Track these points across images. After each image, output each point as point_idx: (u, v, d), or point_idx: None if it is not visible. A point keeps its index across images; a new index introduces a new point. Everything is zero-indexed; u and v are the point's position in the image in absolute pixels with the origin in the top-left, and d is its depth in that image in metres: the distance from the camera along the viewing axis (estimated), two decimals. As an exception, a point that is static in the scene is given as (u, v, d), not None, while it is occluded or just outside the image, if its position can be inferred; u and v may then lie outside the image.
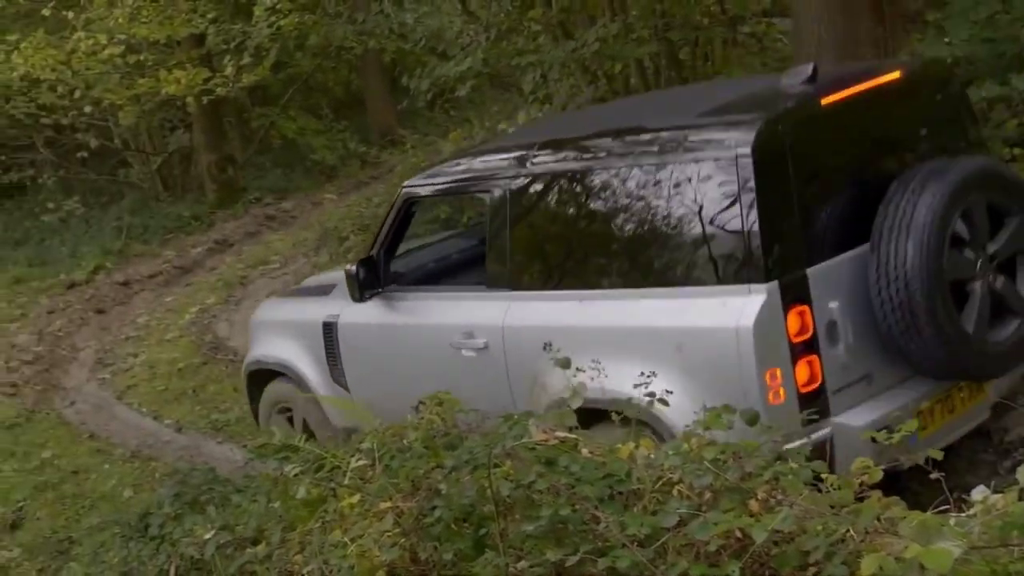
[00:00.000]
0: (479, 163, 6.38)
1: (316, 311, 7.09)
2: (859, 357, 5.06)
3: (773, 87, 5.52)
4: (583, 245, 5.74)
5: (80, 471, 9.40)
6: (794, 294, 4.89)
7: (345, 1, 11.97)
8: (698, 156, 5.13)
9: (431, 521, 4.18)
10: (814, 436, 4.83)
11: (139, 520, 7.31)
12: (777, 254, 4.88)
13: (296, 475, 5.30)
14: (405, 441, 4.89)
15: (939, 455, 3.51)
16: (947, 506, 3.30)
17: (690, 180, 5.16)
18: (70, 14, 12.83)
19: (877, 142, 5.49)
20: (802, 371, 4.90)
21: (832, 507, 3.32)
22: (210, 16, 12.86)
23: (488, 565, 3.80)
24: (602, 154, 5.65)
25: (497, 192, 5.99)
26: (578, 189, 5.73)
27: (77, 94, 13.72)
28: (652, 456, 4.02)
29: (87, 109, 16.49)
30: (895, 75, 5.50)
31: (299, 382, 7.19)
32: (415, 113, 20.36)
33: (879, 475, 3.51)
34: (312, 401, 7.09)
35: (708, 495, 3.69)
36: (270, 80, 20.29)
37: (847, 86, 5.28)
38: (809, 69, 5.28)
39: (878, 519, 3.16)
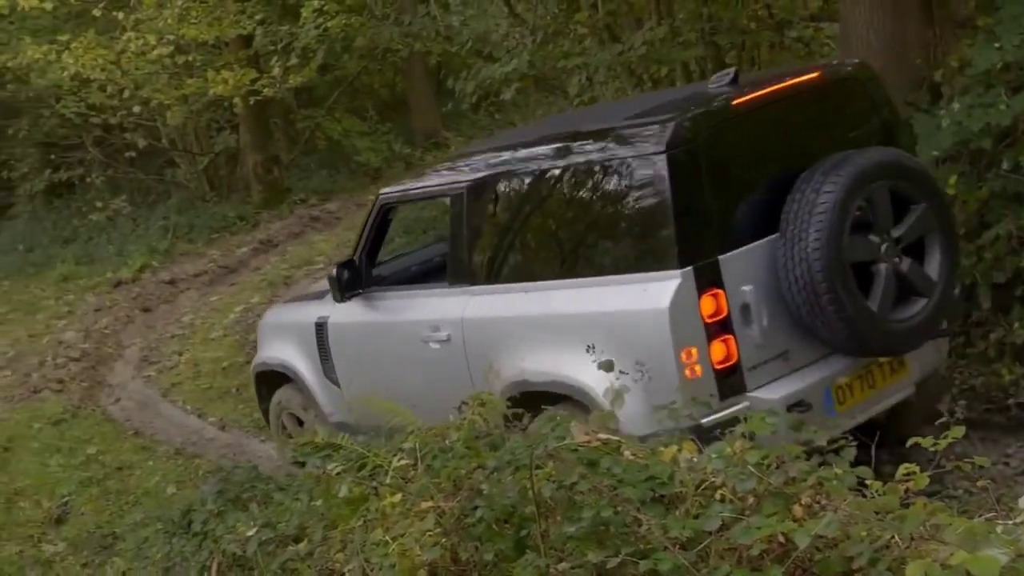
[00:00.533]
0: (442, 172, 6.95)
1: (311, 313, 7.55)
2: (775, 336, 5.44)
3: (698, 91, 6.09)
4: (527, 241, 6.30)
5: (124, 467, 9.49)
6: (707, 279, 5.32)
7: (392, 3, 11.99)
8: (620, 156, 5.62)
9: (473, 521, 4.18)
10: (731, 409, 5.23)
11: (182, 516, 7.36)
12: (690, 243, 5.35)
13: (338, 474, 5.32)
14: (447, 441, 4.89)
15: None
16: (994, 513, 3.27)
17: (614, 178, 5.68)
18: (120, 14, 12.94)
19: (790, 138, 5.82)
20: (717, 349, 5.34)
21: (877, 513, 3.30)
22: (258, 17, 12.93)
23: (529, 566, 3.79)
24: (541, 158, 6.13)
25: (455, 197, 6.51)
26: (521, 191, 6.26)
27: (126, 94, 13.85)
28: (695, 459, 4.00)
29: (136, 109, 16.65)
30: (812, 76, 5.95)
31: (297, 380, 7.65)
32: (460, 115, 20.40)
33: (925, 481, 3.48)
34: (302, 394, 7.63)
35: (751, 499, 3.66)
36: (316, 82, 20.39)
37: (761, 88, 5.71)
38: (731, 73, 5.81)
39: (923, 525, 3.13)
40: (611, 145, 5.75)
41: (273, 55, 11.93)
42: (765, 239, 5.48)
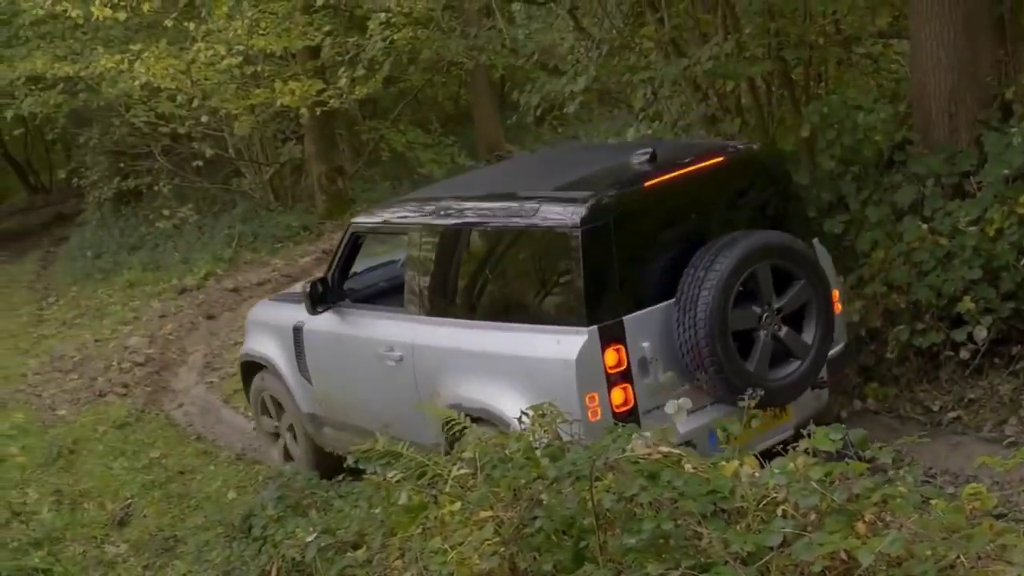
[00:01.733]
0: (405, 208, 7.88)
1: (291, 316, 8.41)
2: (667, 385, 6.22)
3: (620, 165, 6.84)
4: (468, 284, 7.13)
5: (186, 471, 9.58)
6: (611, 335, 6.16)
7: (458, 16, 12.06)
8: (545, 224, 6.48)
9: (531, 531, 4.18)
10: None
11: (242, 521, 7.42)
12: (598, 304, 6.18)
13: (398, 481, 5.34)
14: (507, 451, 4.89)
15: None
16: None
17: (540, 242, 6.59)
18: (191, 25, 13.11)
19: (693, 215, 6.64)
20: (617, 395, 6.18)
21: (942, 532, 3.26)
22: (326, 29, 13.05)
23: (588, 577, 3.78)
24: (484, 213, 7.04)
25: (411, 235, 7.44)
26: (465, 239, 7.15)
27: (195, 103, 14.02)
28: (756, 475, 3.98)
29: (203, 119, 16.86)
30: (718, 159, 6.74)
31: (275, 372, 8.63)
32: (523, 129, 20.42)
33: (992, 502, 3.44)
34: (278, 383, 8.62)
35: (813, 516, 3.63)
36: (381, 94, 20.52)
37: (670, 171, 6.50)
38: (650, 152, 6.58)
39: (990, 545, 3.09)
40: (539, 213, 6.55)
41: (340, 66, 12.00)
42: (664, 303, 6.30)
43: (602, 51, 9.17)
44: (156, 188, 19.65)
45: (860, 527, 3.43)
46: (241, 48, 12.41)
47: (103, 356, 13.94)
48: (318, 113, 13.16)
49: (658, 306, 6.32)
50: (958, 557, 3.13)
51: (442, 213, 7.32)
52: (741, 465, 4.00)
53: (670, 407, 4.60)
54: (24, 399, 12.69)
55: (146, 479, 9.48)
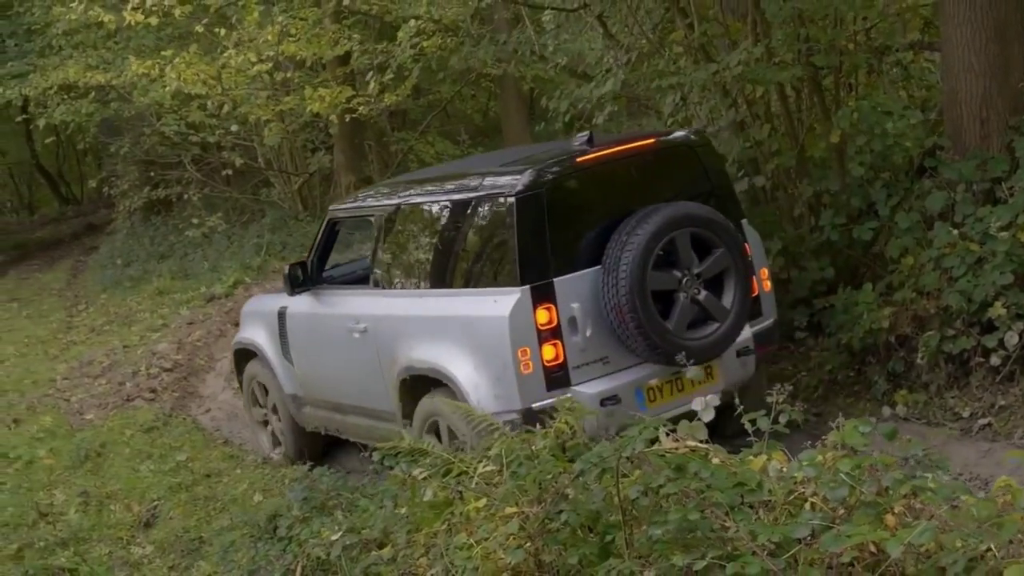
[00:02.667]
0: (370, 197, 8.57)
1: (277, 303, 9.15)
2: (596, 344, 6.82)
3: (561, 147, 7.57)
4: (420, 257, 7.86)
5: (213, 474, 9.58)
6: (542, 295, 6.75)
7: (487, 25, 12.09)
8: (486, 196, 7.14)
9: (557, 525, 4.16)
10: (555, 399, 6.15)
11: (268, 521, 7.43)
12: (530, 267, 6.78)
13: (424, 478, 5.33)
14: (533, 448, 4.88)
15: None
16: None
17: (481, 212, 7.22)
18: (222, 31, 13.19)
19: (621, 190, 7.21)
20: (548, 350, 6.76)
21: (973, 524, 3.22)
22: (356, 37, 13.12)
23: (613, 570, 3.76)
24: (434, 192, 7.80)
25: (375, 219, 8.11)
26: (418, 218, 7.89)
27: (225, 109, 14.08)
28: (784, 469, 3.95)
29: (233, 128, 16.93)
30: (648, 142, 7.42)
31: (262, 357, 9.36)
32: (551, 138, 20.45)
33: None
34: (265, 368, 9.35)
35: (842, 510, 3.60)
36: (410, 105, 20.57)
37: (602, 150, 7.11)
38: (588, 135, 7.20)
39: (1021, 535, 3.05)
40: (482, 186, 7.24)
41: (369, 73, 12.04)
42: (592, 268, 6.85)
43: (631, 57, 9.17)
44: (186, 197, 19.72)
45: (890, 520, 3.40)
46: (271, 54, 12.47)
47: (131, 362, 13.99)
48: (347, 120, 13.18)
49: (588, 270, 6.87)
50: (988, 549, 3.09)
51: (400, 195, 8.09)
52: (769, 459, 3.97)
53: (697, 404, 4.58)
54: (53, 403, 12.75)
55: (172, 482, 9.48)
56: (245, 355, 9.71)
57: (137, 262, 20.38)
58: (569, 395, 6.39)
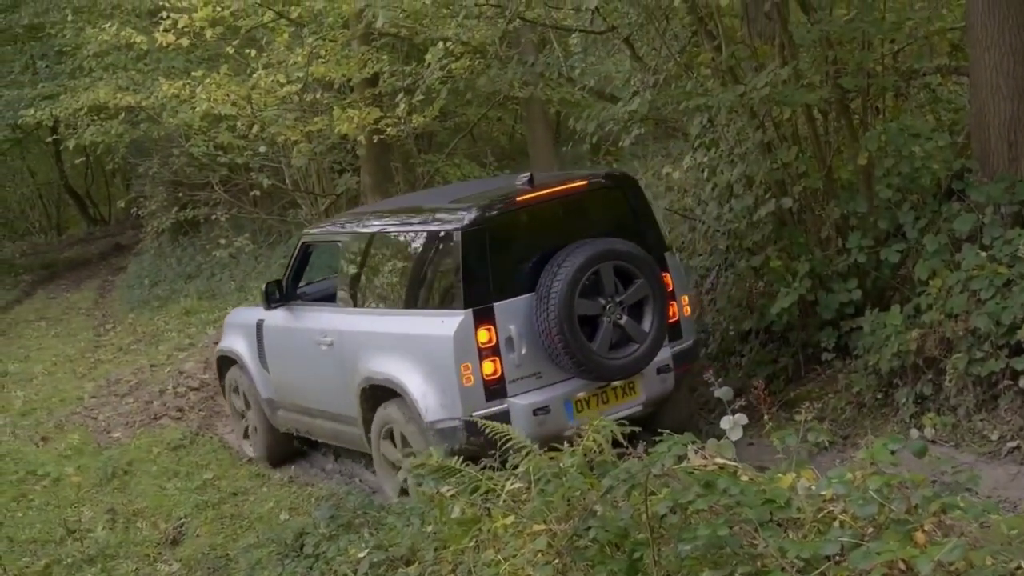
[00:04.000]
0: (337, 224, 9.63)
1: (255, 316, 10.09)
2: (530, 361, 7.74)
3: (505, 186, 8.48)
4: (379, 279, 8.80)
5: (239, 493, 9.62)
6: (483, 318, 7.64)
7: (513, 47, 12.13)
8: (436, 229, 8.12)
9: (585, 543, 4.17)
10: (495, 408, 7.57)
11: (295, 539, 7.45)
12: (473, 293, 7.67)
13: (452, 495, 5.34)
14: (561, 465, 4.89)
15: None
16: None
17: (432, 243, 8.15)
18: (252, 52, 13.29)
19: (555, 227, 8.05)
20: (487, 366, 7.65)
21: (1004, 541, 3.21)
22: (385, 58, 13.20)
23: (642, 586, 3.76)
24: (393, 223, 8.79)
25: (341, 243, 9.15)
26: (378, 244, 8.80)
27: (254, 129, 14.17)
28: (812, 487, 3.95)
29: (261, 149, 17.02)
30: (581, 184, 8.25)
31: (240, 364, 10.31)
32: (576, 163, 20.50)
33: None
34: (244, 374, 10.30)
35: (871, 527, 3.60)
36: (437, 128, 20.64)
37: (539, 191, 8.01)
38: (528, 176, 8.13)
39: (1053, 553, 3.04)
40: (434, 220, 8.26)
41: (397, 94, 12.12)
42: (528, 294, 7.74)
43: (659, 79, 9.19)
44: (214, 218, 19.82)
45: (919, 537, 3.39)
46: (300, 75, 12.56)
47: (158, 381, 14.07)
48: (374, 142, 13.26)
49: (524, 296, 7.77)
50: (1019, 567, 3.09)
51: (364, 223, 9.08)
52: (798, 477, 3.97)
53: (725, 423, 4.58)
54: (80, 421, 12.83)
55: (199, 499, 9.53)
56: (227, 362, 10.70)
57: (164, 282, 20.55)
58: (506, 406, 7.64)
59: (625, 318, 7.87)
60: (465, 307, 7.65)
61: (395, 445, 8.30)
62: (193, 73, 13.75)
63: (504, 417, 7.41)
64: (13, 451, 11.56)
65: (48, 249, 32.79)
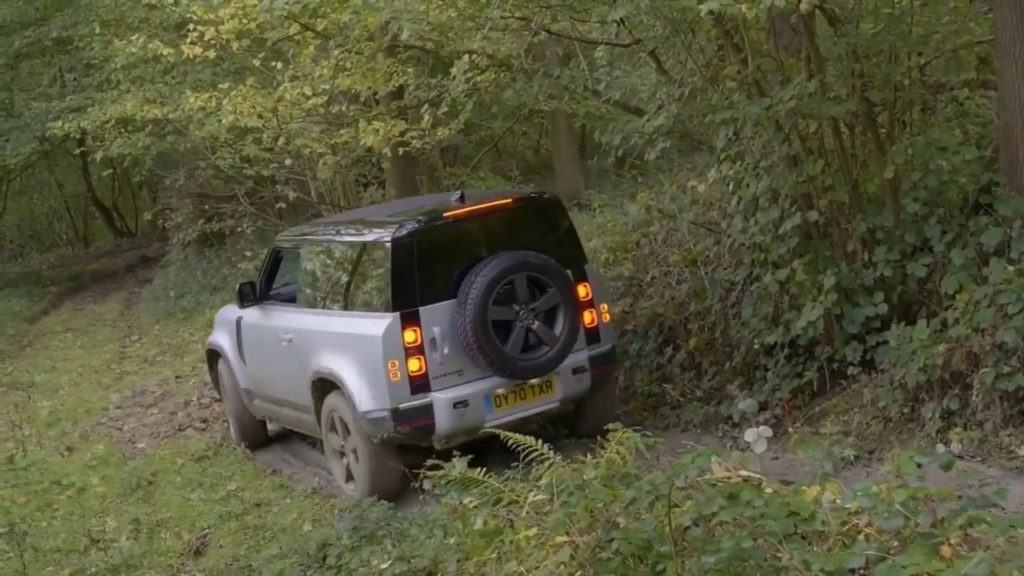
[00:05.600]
0: (300, 233, 10.78)
1: (236, 313, 11.02)
2: (453, 359, 8.65)
3: (436, 203, 9.47)
4: (328, 284, 9.83)
5: (263, 504, 9.62)
6: (409, 320, 8.57)
7: (538, 60, 12.13)
8: (373, 240, 9.12)
9: (608, 555, 4.14)
10: (419, 401, 8.56)
11: (317, 550, 7.47)
12: (400, 298, 8.62)
13: (474, 507, 5.33)
14: (584, 477, 4.87)
15: None
16: None
17: (368, 253, 9.16)
18: (279, 64, 13.35)
19: (479, 239, 9.03)
20: (412, 363, 8.56)
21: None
22: (411, 70, 13.23)
23: (665, 599, 3.74)
24: (341, 233, 9.85)
25: (300, 250, 10.20)
26: (327, 252, 9.90)
27: (281, 141, 14.23)
28: (837, 500, 3.92)
29: (287, 162, 17.08)
30: (506, 201, 9.30)
31: (224, 357, 11.28)
32: (601, 177, 20.49)
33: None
34: (226, 366, 11.27)
35: (896, 541, 3.57)
36: (462, 142, 20.67)
37: (466, 207, 8.96)
38: (460, 193, 9.14)
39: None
40: (371, 232, 9.29)
41: (422, 106, 12.14)
42: (450, 300, 8.65)
43: (684, 92, 9.17)
44: (239, 230, 19.88)
45: (945, 551, 3.36)
46: (326, 87, 12.60)
47: (183, 392, 14.14)
48: (400, 155, 13.29)
49: (447, 302, 8.66)
50: (1048, 581, 3.05)
51: (318, 233, 10.28)
52: (822, 490, 3.94)
53: (750, 435, 4.56)
54: (105, 432, 12.91)
55: (223, 510, 9.54)
56: (215, 355, 11.62)
57: (190, 294, 20.62)
58: (429, 399, 8.56)
59: (537, 323, 8.75)
60: (393, 310, 8.58)
61: (337, 432, 9.28)
62: (220, 85, 13.80)
63: (428, 409, 8.56)
64: (39, 461, 11.62)
65: (75, 261, 33.00)
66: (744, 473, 4.10)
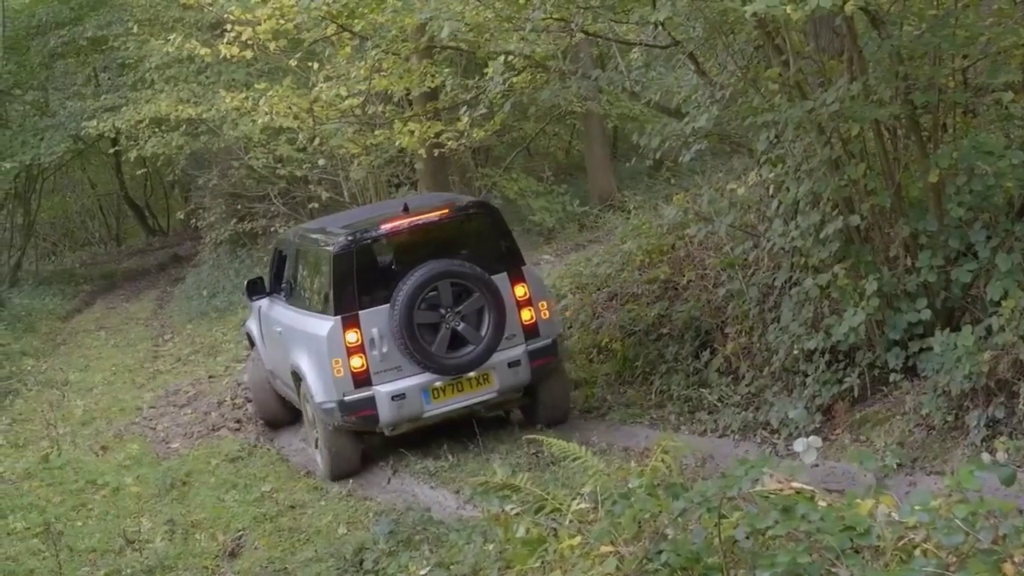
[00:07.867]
0: (292, 234, 11.89)
1: (259, 302, 12.02)
2: (392, 357, 9.64)
3: (382, 213, 10.54)
4: (298, 285, 10.88)
5: (297, 506, 9.60)
6: (350, 322, 9.60)
7: (572, 61, 12.06)
8: (323, 249, 10.18)
9: (656, 566, 4.07)
10: (362, 394, 9.59)
11: (354, 554, 7.42)
12: (342, 302, 9.66)
13: (516, 514, 5.27)
14: (629, 486, 4.80)
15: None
16: None
17: (320, 260, 10.19)
18: (315, 65, 13.34)
19: (419, 248, 9.87)
20: (355, 361, 9.60)
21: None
22: (446, 71, 13.19)
23: (716, 613, 3.66)
24: (309, 239, 10.86)
25: (285, 253, 11.51)
26: (300, 256, 10.96)
27: (316, 142, 14.21)
28: (893, 514, 3.83)
29: (320, 162, 17.09)
30: (443, 211, 10.11)
31: (253, 340, 12.53)
32: (635, 179, 20.41)
33: None
34: (255, 350, 12.52)
35: (954, 557, 3.48)
36: (494, 143, 20.61)
37: (404, 218, 9.87)
38: (404, 203, 10.13)
39: None
40: (323, 240, 10.34)
41: (458, 108, 12.11)
42: (386, 304, 9.57)
43: (724, 94, 9.07)
44: (272, 230, 19.92)
45: (1008, 568, 3.27)
46: (362, 88, 12.58)
47: (216, 392, 14.14)
48: (435, 154, 13.25)
49: (384, 306, 9.60)
50: (1117, 601, 2.96)
51: (298, 237, 11.35)
52: (877, 503, 3.86)
53: (799, 445, 4.47)
54: (139, 432, 12.91)
55: (257, 512, 9.52)
56: (249, 339, 12.83)
57: (222, 293, 20.64)
58: (371, 392, 9.57)
59: (463, 325, 9.68)
60: (336, 314, 9.64)
61: (310, 419, 10.36)
62: (255, 85, 13.79)
63: (370, 402, 9.59)
64: (73, 460, 11.64)
65: (107, 259, 33.14)
66: (797, 485, 4.02)
